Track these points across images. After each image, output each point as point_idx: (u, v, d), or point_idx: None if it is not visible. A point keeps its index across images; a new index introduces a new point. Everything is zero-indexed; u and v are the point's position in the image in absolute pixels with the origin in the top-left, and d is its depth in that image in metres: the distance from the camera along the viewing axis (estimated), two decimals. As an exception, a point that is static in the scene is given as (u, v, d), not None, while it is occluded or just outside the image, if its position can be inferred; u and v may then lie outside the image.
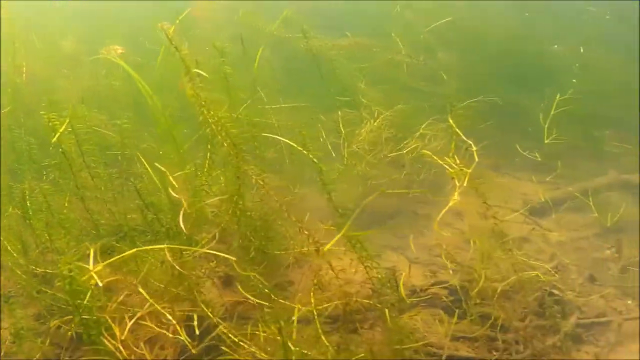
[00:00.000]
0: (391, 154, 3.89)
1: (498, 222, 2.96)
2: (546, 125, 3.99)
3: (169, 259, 2.72)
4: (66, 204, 3.48)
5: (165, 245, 2.52)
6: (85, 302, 2.26)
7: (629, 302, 3.72)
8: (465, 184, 2.96)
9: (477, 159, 2.84)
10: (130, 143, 4.18)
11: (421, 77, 4.86)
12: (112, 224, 3.47)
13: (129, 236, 3.25)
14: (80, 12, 7.57)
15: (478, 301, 3.22)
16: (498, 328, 3.11)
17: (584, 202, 4.52)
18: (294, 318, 2.76)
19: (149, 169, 3.56)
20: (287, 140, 3.15)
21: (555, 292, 3.35)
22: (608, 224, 3.95)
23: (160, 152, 3.82)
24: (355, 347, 2.64)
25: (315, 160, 3.40)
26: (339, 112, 4.13)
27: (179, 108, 4.33)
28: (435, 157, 2.94)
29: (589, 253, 4.04)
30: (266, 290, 2.87)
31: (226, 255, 2.67)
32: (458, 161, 2.90)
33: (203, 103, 3.09)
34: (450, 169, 2.84)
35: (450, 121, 3.04)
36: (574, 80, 5.59)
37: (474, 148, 2.91)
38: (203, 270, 3.35)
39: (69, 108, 3.23)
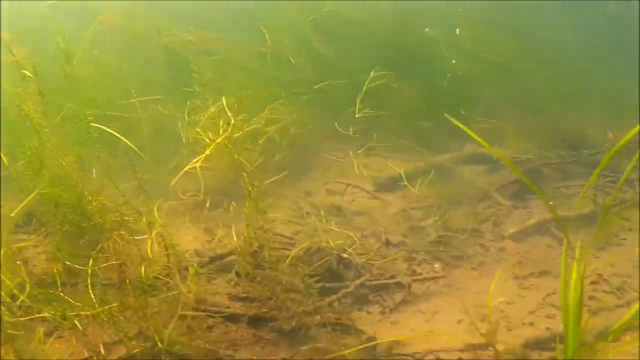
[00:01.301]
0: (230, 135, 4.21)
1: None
2: (358, 100, 4.21)
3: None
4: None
5: None
6: None
7: (437, 265, 3.94)
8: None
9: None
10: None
11: (282, 66, 5.15)
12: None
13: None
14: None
15: (269, 265, 3.52)
16: (279, 289, 3.38)
17: (432, 176, 4.72)
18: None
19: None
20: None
21: (345, 256, 3.60)
22: (416, 191, 4.14)
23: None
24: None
25: (136, 150, 3.81)
26: (188, 102, 4.48)
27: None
28: (202, 134, 3.26)
29: (414, 222, 4.25)
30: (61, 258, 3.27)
31: None
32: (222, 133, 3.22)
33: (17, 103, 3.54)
34: (208, 141, 3.16)
35: (224, 101, 3.35)
36: (454, 61, 5.77)
37: (232, 122, 3.21)
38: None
39: None
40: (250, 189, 3.21)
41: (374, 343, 2.98)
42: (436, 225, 4.19)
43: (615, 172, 5.58)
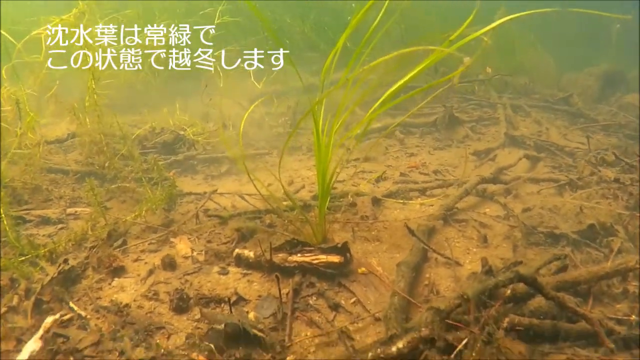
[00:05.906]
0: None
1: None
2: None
3: None
4: None
5: None
6: None
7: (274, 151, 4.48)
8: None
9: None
10: None
11: None
12: None
13: None
14: None
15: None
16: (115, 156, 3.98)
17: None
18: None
19: None
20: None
21: (182, 133, 4.18)
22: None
23: None
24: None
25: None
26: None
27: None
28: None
29: (267, 123, 4.82)
30: None
31: None
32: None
33: None
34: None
35: None
36: (354, 5, 6.36)
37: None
38: None
39: None
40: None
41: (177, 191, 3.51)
42: (285, 125, 4.72)
43: (482, 99, 6.05)
